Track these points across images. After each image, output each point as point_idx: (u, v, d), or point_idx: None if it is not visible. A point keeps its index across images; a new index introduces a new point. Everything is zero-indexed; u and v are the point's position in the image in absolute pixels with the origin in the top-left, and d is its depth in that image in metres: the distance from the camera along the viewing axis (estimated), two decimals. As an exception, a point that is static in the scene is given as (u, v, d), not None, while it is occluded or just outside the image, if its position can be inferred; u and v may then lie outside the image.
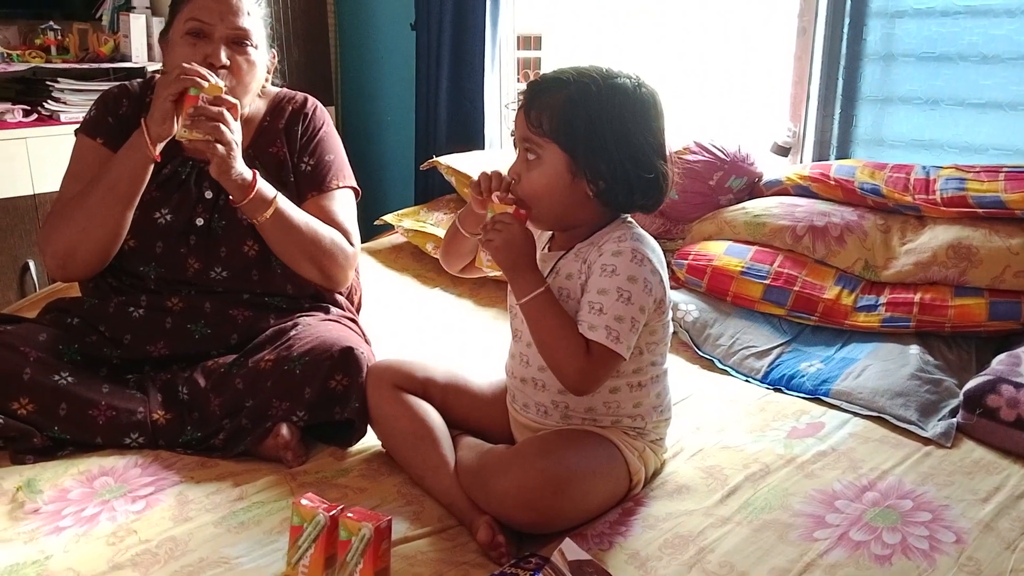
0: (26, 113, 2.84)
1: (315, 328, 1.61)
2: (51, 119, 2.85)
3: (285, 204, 1.63)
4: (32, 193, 2.77)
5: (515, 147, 1.38)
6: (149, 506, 1.37)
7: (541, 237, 1.47)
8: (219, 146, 1.52)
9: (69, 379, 1.51)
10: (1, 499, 1.37)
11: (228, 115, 1.54)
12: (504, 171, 1.38)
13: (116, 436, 1.51)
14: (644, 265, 1.31)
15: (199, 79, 1.52)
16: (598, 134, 1.29)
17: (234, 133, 1.55)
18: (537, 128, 1.31)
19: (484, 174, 1.37)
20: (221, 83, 1.55)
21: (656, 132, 1.33)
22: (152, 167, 1.59)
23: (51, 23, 3.05)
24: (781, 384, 1.85)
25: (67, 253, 1.62)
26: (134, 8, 3.12)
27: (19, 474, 1.43)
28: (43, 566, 1.21)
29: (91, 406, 1.50)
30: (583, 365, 1.28)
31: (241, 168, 1.57)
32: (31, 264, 2.79)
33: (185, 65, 1.54)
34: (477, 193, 1.37)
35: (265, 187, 1.60)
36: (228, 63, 1.62)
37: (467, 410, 1.54)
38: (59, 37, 3.05)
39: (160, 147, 1.57)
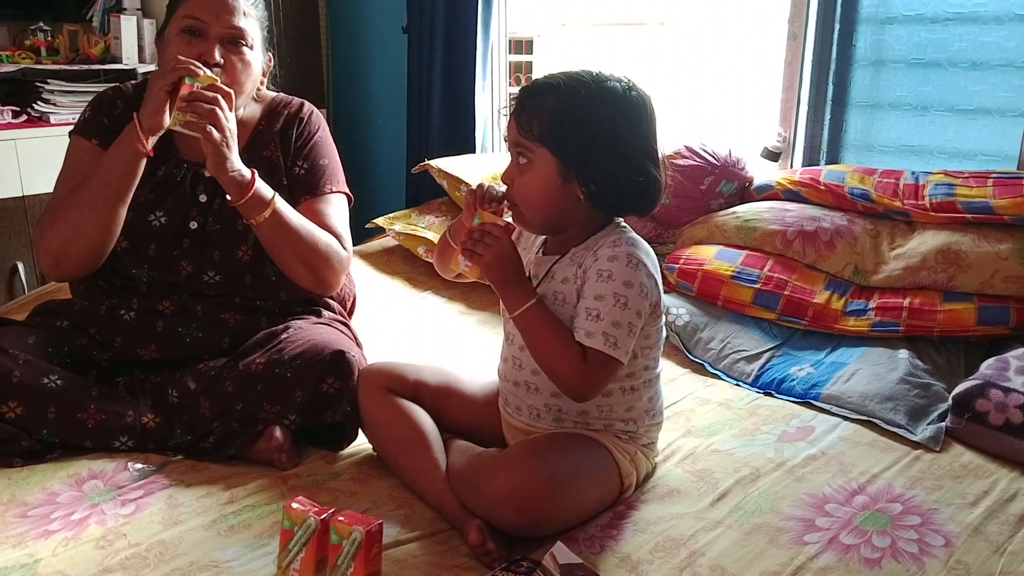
0: (15, 114, 2.83)
1: (306, 331, 1.60)
2: (41, 120, 2.84)
3: (283, 206, 1.62)
4: (21, 195, 2.75)
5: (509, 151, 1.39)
6: (139, 509, 1.36)
7: (535, 242, 1.48)
8: (214, 132, 1.51)
9: (58, 382, 1.50)
10: (-11, 502, 1.36)
11: (223, 102, 1.53)
12: (498, 175, 1.38)
13: (105, 439, 1.51)
14: (640, 270, 1.31)
15: (193, 68, 1.52)
16: (588, 138, 1.29)
17: (229, 121, 1.54)
18: (528, 133, 1.31)
19: (481, 184, 1.38)
20: (215, 76, 1.55)
21: (647, 135, 1.34)
22: (144, 162, 1.58)
23: (41, 24, 3.04)
24: (771, 388, 1.85)
25: (61, 250, 1.61)
26: (125, 9, 3.11)
27: (7, 477, 1.42)
28: (32, 570, 1.21)
29: (80, 409, 1.50)
30: (581, 372, 1.28)
31: (238, 164, 1.56)
32: (20, 266, 2.77)
33: (180, 57, 1.54)
34: (471, 200, 1.37)
35: (263, 187, 1.59)
36: (222, 61, 1.61)
37: (458, 413, 1.54)
38: (49, 38, 3.04)
39: (152, 141, 1.55)
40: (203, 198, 1.68)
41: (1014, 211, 1.92)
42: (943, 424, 1.63)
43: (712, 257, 2.17)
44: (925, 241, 2.01)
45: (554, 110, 1.30)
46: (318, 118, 1.83)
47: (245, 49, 1.65)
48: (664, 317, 1.44)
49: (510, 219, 1.37)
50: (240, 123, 1.67)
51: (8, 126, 2.76)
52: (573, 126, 1.29)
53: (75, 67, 2.97)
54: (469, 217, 1.38)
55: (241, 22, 1.64)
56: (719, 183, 2.36)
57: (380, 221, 2.75)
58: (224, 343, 1.65)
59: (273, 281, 1.70)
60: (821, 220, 2.14)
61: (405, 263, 2.66)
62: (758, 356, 1.96)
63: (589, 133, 1.29)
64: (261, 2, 1.73)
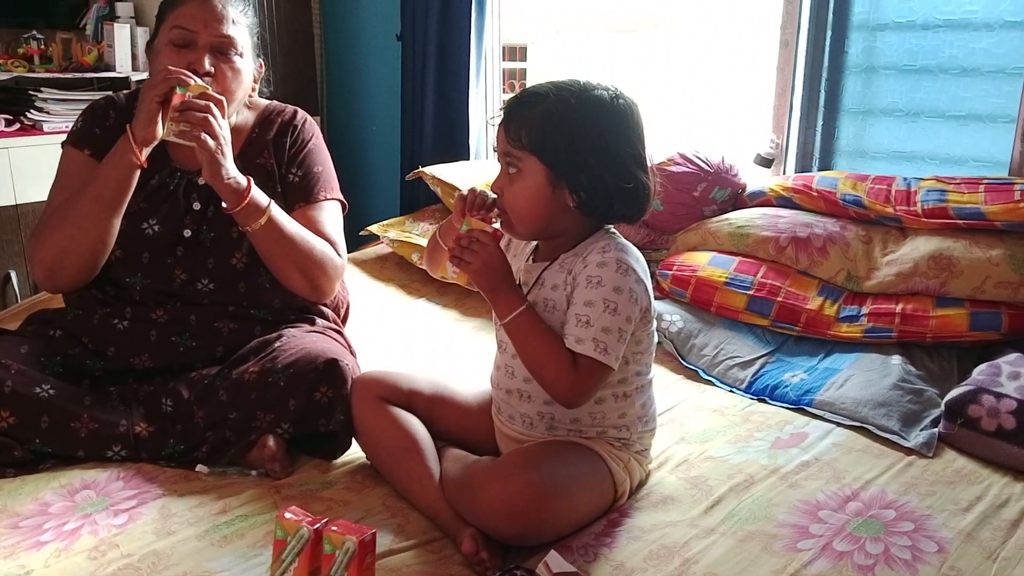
0: (8, 123, 2.82)
1: (300, 340, 1.60)
2: (34, 129, 2.83)
3: (278, 213, 1.62)
4: (14, 203, 2.74)
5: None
6: (131, 520, 1.35)
7: (525, 248, 1.48)
8: (208, 139, 1.51)
9: (51, 391, 1.50)
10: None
11: (215, 110, 1.53)
12: (490, 183, 1.39)
13: (98, 449, 1.50)
14: (629, 275, 1.32)
15: (184, 77, 1.52)
16: (577, 146, 1.30)
17: (222, 129, 1.54)
18: (517, 142, 1.32)
19: (472, 190, 1.38)
20: (206, 85, 1.55)
21: (634, 142, 1.34)
22: (138, 173, 1.57)
23: (34, 32, 3.04)
24: (765, 394, 1.86)
25: (55, 263, 1.60)
26: (118, 18, 3.11)
27: (-1, 488, 1.42)
28: (23, 581, 1.20)
29: (73, 418, 1.49)
30: (571, 379, 1.28)
31: (234, 171, 1.56)
32: (13, 275, 2.76)
33: (170, 67, 1.54)
34: (461, 207, 1.38)
35: (259, 195, 1.59)
36: (212, 70, 1.61)
37: (452, 421, 1.54)
38: (42, 46, 3.04)
39: (146, 152, 1.55)
40: (197, 206, 1.68)
41: (1006, 217, 1.93)
42: (936, 430, 1.63)
43: (705, 264, 2.17)
44: (917, 247, 2.02)
45: (543, 119, 1.31)
46: (311, 125, 1.83)
47: (235, 57, 1.65)
48: (655, 322, 1.44)
49: (498, 225, 1.38)
50: (233, 130, 1.66)
51: (1, 134, 2.76)
52: (562, 134, 1.30)
53: (68, 75, 2.96)
54: (459, 221, 1.38)
55: (230, 30, 1.64)
56: (712, 190, 2.36)
57: (374, 228, 2.75)
58: (217, 352, 1.64)
59: (267, 288, 1.70)
60: (814, 226, 2.15)
61: (399, 270, 2.66)
62: (751, 362, 1.97)
63: (577, 141, 1.30)
64: (250, 9, 1.73)
